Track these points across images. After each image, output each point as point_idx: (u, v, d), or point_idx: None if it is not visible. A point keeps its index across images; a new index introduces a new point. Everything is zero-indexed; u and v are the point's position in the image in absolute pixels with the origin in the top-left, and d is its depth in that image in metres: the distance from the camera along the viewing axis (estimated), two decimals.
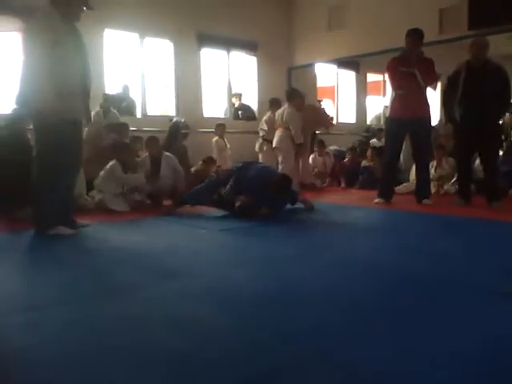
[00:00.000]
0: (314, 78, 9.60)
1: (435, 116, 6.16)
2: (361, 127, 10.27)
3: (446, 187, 6.15)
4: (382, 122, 9.89)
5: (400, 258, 2.80)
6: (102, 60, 6.76)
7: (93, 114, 4.82)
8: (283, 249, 3.11)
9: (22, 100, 3.40)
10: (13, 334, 1.74)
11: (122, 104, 7.10)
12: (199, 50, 7.92)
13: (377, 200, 5.26)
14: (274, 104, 6.30)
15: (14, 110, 4.54)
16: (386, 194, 5.27)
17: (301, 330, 1.73)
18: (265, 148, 6.28)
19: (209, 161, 6.26)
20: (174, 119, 6.96)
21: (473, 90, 4.75)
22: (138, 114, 7.37)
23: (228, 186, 4.50)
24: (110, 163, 4.89)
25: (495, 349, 1.56)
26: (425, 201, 5.12)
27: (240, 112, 8.65)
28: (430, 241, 3.35)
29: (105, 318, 1.87)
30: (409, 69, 4.96)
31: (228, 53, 8.34)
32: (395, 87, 5.18)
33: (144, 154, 5.42)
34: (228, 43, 8.21)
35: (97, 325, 1.80)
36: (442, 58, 5.77)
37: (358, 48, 7.82)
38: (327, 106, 9.48)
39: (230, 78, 8.46)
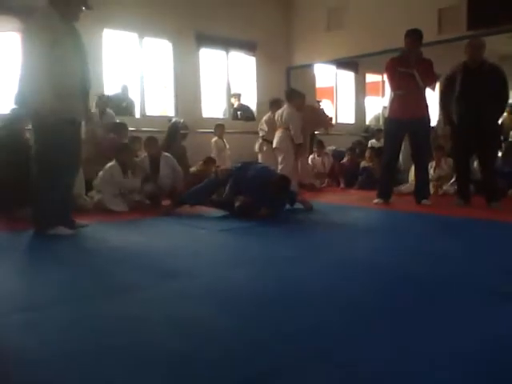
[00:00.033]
0: (313, 78, 9.59)
1: (434, 116, 6.15)
2: (360, 128, 10.28)
3: (445, 188, 6.15)
4: (381, 122, 9.90)
5: (399, 259, 2.81)
6: (100, 60, 6.75)
7: None
8: (283, 249, 3.11)
9: (21, 100, 3.40)
10: (12, 333, 1.73)
11: (121, 104, 7.10)
12: (198, 50, 7.92)
13: (376, 200, 5.27)
14: (274, 104, 6.29)
15: (13, 109, 4.53)
16: (385, 195, 5.28)
17: (300, 330, 1.73)
18: (264, 148, 6.28)
19: (209, 161, 6.27)
20: (173, 119, 6.95)
21: (469, 91, 4.76)
22: (137, 115, 7.36)
23: (227, 187, 4.50)
24: (109, 164, 4.89)
25: (494, 349, 1.56)
26: (424, 201, 5.13)
27: (239, 112, 8.65)
28: (429, 241, 3.35)
29: (104, 318, 1.87)
30: (408, 69, 4.96)
31: (227, 53, 8.34)
32: (394, 88, 5.18)
33: (143, 155, 5.42)
34: (227, 43, 8.21)
35: (96, 325, 1.80)
36: (441, 58, 5.78)
37: (357, 48, 7.82)
38: (326, 106, 9.48)
39: (229, 79, 8.46)
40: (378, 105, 10.90)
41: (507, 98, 4.90)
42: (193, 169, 6.29)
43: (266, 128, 6.30)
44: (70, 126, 3.44)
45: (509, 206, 4.93)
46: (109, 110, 6.07)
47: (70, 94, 3.40)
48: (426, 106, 5.15)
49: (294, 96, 5.84)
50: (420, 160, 5.27)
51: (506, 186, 5.70)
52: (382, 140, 6.36)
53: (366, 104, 10.78)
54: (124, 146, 5.17)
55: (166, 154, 5.38)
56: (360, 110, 10.60)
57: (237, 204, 4.36)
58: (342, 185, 7.50)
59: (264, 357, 1.51)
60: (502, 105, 4.93)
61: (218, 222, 4.16)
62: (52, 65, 3.24)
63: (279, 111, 5.84)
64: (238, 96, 8.72)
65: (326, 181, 7.68)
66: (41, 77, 3.21)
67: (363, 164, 7.29)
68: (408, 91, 4.98)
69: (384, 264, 2.67)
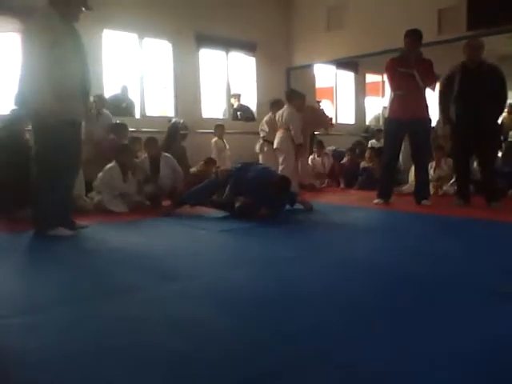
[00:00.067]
0: (313, 78, 9.59)
1: (434, 117, 6.16)
2: (360, 128, 10.28)
3: (444, 188, 6.15)
4: (381, 122, 9.90)
5: (399, 259, 2.81)
6: (100, 61, 6.75)
7: None
8: (283, 249, 3.11)
9: (21, 100, 3.40)
10: (13, 335, 1.74)
11: (120, 105, 7.10)
12: (198, 50, 7.92)
13: (376, 201, 5.27)
14: (275, 105, 6.29)
15: (13, 110, 4.53)
16: (385, 195, 5.28)
17: (300, 330, 1.73)
18: (265, 149, 6.29)
19: (209, 161, 6.28)
20: (173, 120, 6.96)
21: (468, 91, 4.77)
22: (137, 115, 7.36)
23: (227, 189, 4.50)
24: (109, 165, 4.88)
25: (494, 349, 1.56)
26: (424, 201, 5.13)
27: (239, 113, 8.65)
28: (429, 241, 3.35)
29: (104, 318, 1.87)
30: (408, 69, 4.96)
31: (227, 53, 8.34)
32: (394, 88, 5.19)
33: (143, 155, 5.42)
34: (227, 44, 8.21)
35: (96, 326, 1.80)
36: (441, 58, 5.78)
37: (357, 49, 7.82)
38: (326, 106, 9.48)
39: (229, 79, 8.46)
40: (377, 105, 10.90)
41: (506, 98, 4.90)
42: (193, 169, 6.29)
43: (266, 128, 6.31)
44: (70, 127, 3.44)
45: (509, 206, 4.93)
46: (105, 111, 6.04)
47: (70, 95, 3.40)
48: (426, 107, 5.15)
49: (294, 96, 5.84)
50: (420, 160, 5.27)
51: (506, 186, 5.71)
52: (382, 140, 6.36)
53: (365, 104, 10.78)
54: (124, 147, 5.17)
55: (166, 154, 5.38)
56: (360, 111, 10.60)
57: (237, 205, 4.36)
58: (342, 185, 7.50)
59: (264, 357, 1.52)
60: (500, 105, 4.93)
61: (218, 223, 4.16)
62: (52, 65, 3.24)
63: (280, 112, 5.84)
64: (237, 96, 8.72)
65: (326, 181, 7.68)
66: (41, 77, 3.21)
67: (363, 164, 7.29)
68: (408, 91, 4.99)
69: (384, 264, 2.67)
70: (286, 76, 9.06)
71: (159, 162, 5.22)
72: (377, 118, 10.72)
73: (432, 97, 5.43)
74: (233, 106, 8.63)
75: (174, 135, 6.53)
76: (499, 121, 5.49)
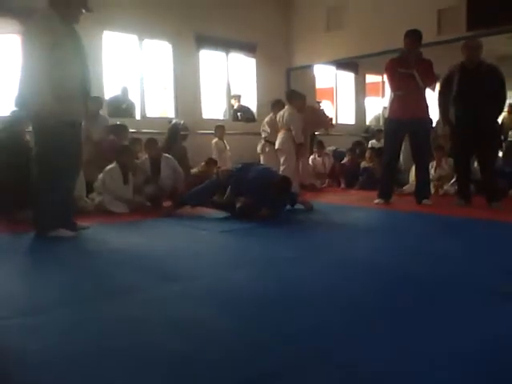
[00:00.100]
0: (313, 79, 9.60)
1: (434, 116, 6.16)
2: (360, 128, 10.28)
3: (445, 187, 6.15)
4: (381, 122, 9.90)
5: (400, 259, 2.81)
6: (100, 62, 6.75)
7: None
8: (283, 250, 3.12)
9: (21, 102, 3.40)
10: (14, 336, 1.74)
11: (121, 106, 7.10)
12: (198, 51, 7.92)
13: (377, 200, 5.27)
14: (276, 105, 6.30)
15: (13, 111, 4.54)
16: (386, 195, 5.28)
17: (301, 330, 1.73)
18: (267, 149, 6.29)
19: (210, 162, 6.29)
20: (173, 121, 6.96)
21: (467, 91, 4.77)
22: (137, 116, 7.36)
23: (228, 190, 4.51)
24: (109, 166, 4.89)
25: (494, 349, 1.56)
26: (424, 201, 5.13)
27: (239, 113, 8.65)
28: (429, 241, 3.36)
29: (105, 320, 1.87)
30: (407, 70, 4.97)
31: (227, 54, 8.34)
32: (394, 88, 5.19)
33: (143, 156, 5.42)
34: (227, 45, 8.21)
35: (97, 327, 1.80)
36: (441, 58, 5.77)
37: (357, 49, 7.83)
38: (326, 107, 9.48)
39: (229, 80, 8.46)
40: (378, 105, 10.90)
41: (505, 98, 4.90)
42: (194, 170, 6.30)
43: (268, 129, 6.31)
44: (70, 129, 3.44)
45: (509, 206, 4.93)
46: (101, 113, 6.01)
47: (71, 96, 3.40)
48: (426, 107, 5.16)
49: (294, 97, 5.84)
50: (420, 160, 5.28)
51: (507, 186, 5.70)
52: (383, 140, 6.37)
53: (366, 104, 10.78)
54: (124, 148, 5.18)
55: (167, 155, 5.39)
56: (360, 111, 10.60)
57: (238, 205, 4.37)
58: (342, 185, 7.51)
59: (264, 357, 1.52)
60: (499, 105, 4.93)
61: (219, 223, 4.16)
62: (52, 67, 3.25)
63: (280, 113, 5.85)
64: (238, 97, 8.72)
65: (327, 181, 7.69)
66: (41, 79, 3.22)
67: (364, 164, 7.29)
68: (408, 92, 4.99)
69: (384, 264, 2.67)
70: (286, 77, 9.07)
71: (160, 163, 5.22)
72: (377, 119, 10.72)
73: (432, 97, 5.42)
74: (233, 106, 8.63)
75: (175, 136, 6.54)
76: (499, 121, 5.48)
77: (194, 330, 1.76)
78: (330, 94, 10.13)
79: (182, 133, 6.71)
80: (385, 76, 6.53)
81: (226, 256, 3.05)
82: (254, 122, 8.38)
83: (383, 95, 10.72)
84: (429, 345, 1.59)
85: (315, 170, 7.65)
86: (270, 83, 8.66)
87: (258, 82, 8.80)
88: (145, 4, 7.01)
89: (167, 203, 5.04)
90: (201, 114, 8.06)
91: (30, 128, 3.68)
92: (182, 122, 6.94)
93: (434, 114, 5.79)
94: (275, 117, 6.07)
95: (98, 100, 5.96)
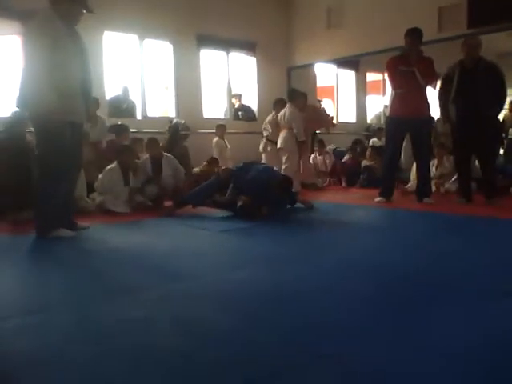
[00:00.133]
0: (314, 77, 9.59)
1: (435, 114, 6.16)
2: (361, 126, 10.27)
3: (446, 185, 6.14)
4: (382, 121, 9.89)
5: (401, 257, 2.80)
6: (101, 62, 6.76)
7: None
8: (284, 249, 3.12)
9: (23, 103, 3.41)
10: (13, 336, 1.74)
11: (121, 106, 7.11)
12: (199, 51, 7.93)
13: (378, 199, 5.26)
14: (278, 104, 6.30)
15: (14, 112, 4.55)
16: (387, 193, 5.27)
17: (302, 329, 1.73)
18: (269, 148, 6.30)
19: (212, 161, 6.30)
20: (174, 120, 6.97)
21: (466, 89, 4.77)
22: (138, 116, 7.37)
23: (229, 189, 4.51)
24: (109, 166, 4.89)
25: (495, 348, 1.55)
26: (426, 199, 5.12)
27: (240, 113, 8.65)
28: (431, 239, 3.35)
29: (105, 319, 1.87)
30: (408, 68, 4.96)
31: (227, 54, 8.34)
32: (395, 86, 5.18)
33: (144, 156, 5.42)
34: (227, 44, 8.21)
35: (97, 326, 1.80)
36: (441, 56, 5.77)
37: (358, 47, 7.81)
38: (327, 105, 9.48)
39: (230, 79, 8.47)
40: (379, 103, 10.89)
41: (505, 96, 4.90)
42: (196, 169, 6.31)
43: (269, 128, 6.32)
44: (71, 129, 3.45)
45: (510, 204, 4.92)
46: (99, 114, 6.00)
47: (72, 97, 3.41)
48: (427, 105, 5.15)
49: (295, 96, 5.86)
50: (421, 158, 5.27)
51: (508, 183, 5.69)
52: (384, 139, 6.36)
53: (367, 103, 10.77)
54: (125, 148, 5.18)
55: (168, 154, 5.39)
56: (361, 109, 10.59)
57: (239, 204, 4.37)
58: (343, 183, 7.50)
59: (265, 357, 1.52)
60: (499, 103, 4.92)
61: (221, 223, 4.16)
62: (53, 68, 3.25)
63: (282, 112, 5.86)
64: (238, 96, 8.73)
65: (328, 180, 7.68)
66: (42, 79, 3.22)
67: (365, 163, 7.29)
68: (409, 90, 4.98)
69: (385, 262, 2.66)
70: (286, 75, 9.06)
71: (161, 163, 5.23)
72: (378, 117, 10.71)
73: (433, 95, 5.41)
74: (234, 106, 8.64)
75: (176, 135, 6.55)
76: (500, 118, 5.48)
77: (194, 329, 1.76)
78: (330, 92, 10.13)
79: (182, 132, 6.72)
80: (386, 74, 6.52)
81: (228, 255, 3.05)
82: (255, 121, 8.38)
83: (384, 93, 10.70)
84: (429, 345, 1.58)
85: (316, 169, 7.65)
86: (270, 82, 8.66)
87: (258, 81, 8.80)
88: (145, 4, 7.02)
89: (169, 203, 5.04)
90: (202, 113, 8.07)
91: (32, 129, 3.69)
92: (182, 121, 6.94)
93: (435, 112, 5.78)
94: (277, 116, 6.08)
95: (95, 101, 5.95)
